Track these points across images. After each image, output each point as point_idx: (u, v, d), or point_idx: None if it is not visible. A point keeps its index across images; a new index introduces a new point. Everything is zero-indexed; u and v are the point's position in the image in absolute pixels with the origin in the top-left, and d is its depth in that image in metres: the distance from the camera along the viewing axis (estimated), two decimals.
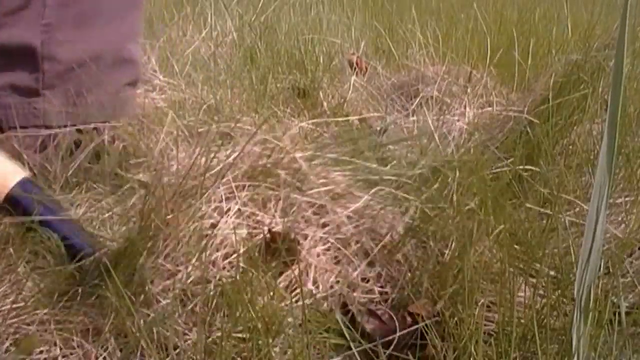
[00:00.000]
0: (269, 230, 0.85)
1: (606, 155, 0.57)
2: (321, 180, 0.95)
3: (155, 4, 2.53)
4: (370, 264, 0.88)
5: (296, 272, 0.83)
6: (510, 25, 2.17)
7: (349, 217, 0.92)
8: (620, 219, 1.08)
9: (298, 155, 0.96)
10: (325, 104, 1.57)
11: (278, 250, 0.83)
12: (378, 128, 1.49)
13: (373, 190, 0.94)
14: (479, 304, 0.76)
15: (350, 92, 1.64)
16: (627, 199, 1.13)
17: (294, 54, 1.84)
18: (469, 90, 1.66)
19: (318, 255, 0.87)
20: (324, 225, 0.91)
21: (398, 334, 0.74)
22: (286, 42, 1.98)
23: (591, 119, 1.35)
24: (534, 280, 0.81)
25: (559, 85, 1.33)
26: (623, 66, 0.53)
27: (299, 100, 1.57)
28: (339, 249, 0.89)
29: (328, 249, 0.89)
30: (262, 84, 1.58)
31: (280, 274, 0.84)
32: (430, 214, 0.89)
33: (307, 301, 0.80)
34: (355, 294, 0.85)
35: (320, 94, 1.60)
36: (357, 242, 0.90)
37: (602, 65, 1.32)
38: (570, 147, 1.31)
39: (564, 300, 0.77)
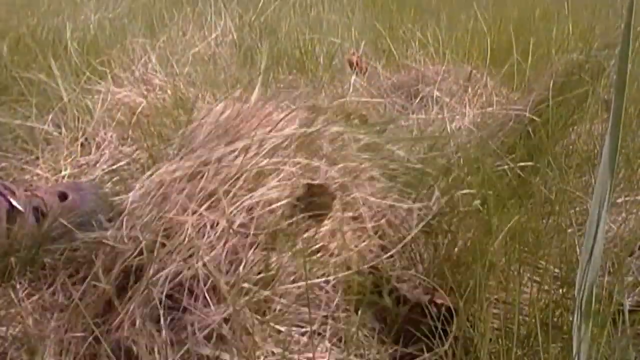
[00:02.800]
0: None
1: (608, 154, 0.57)
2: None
3: (155, 4, 2.53)
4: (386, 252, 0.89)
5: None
6: (510, 25, 2.17)
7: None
8: (620, 218, 1.08)
9: None
10: (326, 102, 1.57)
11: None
12: (378, 128, 1.49)
13: None
14: (488, 301, 0.76)
15: (350, 91, 1.64)
16: (627, 198, 1.13)
17: (294, 54, 1.84)
18: (469, 89, 1.66)
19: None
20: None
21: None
22: (286, 42, 1.98)
23: (591, 119, 1.35)
24: (538, 279, 0.81)
25: (559, 85, 1.33)
26: (627, 66, 0.53)
27: None
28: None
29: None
30: (263, 84, 1.58)
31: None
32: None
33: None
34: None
35: (323, 91, 1.61)
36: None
37: (602, 65, 1.32)
38: (571, 146, 1.31)
39: (568, 298, 0.77)
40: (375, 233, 0.90)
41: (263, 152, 0.90)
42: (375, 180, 0.96)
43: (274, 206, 0.84)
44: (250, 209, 0.84)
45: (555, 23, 2.28)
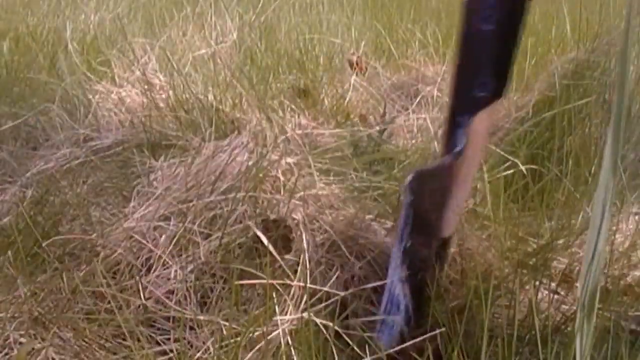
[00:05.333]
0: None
1: (610, 157, 0.57)
2: None
3: (155, 4, 2.53)
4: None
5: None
6: None
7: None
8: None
9: None
10: (326, 102, 1.57)
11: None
12: (377, 127, 1.49)
13: None
14: (489, 304, 0.76)
15: (350, 91, 1.63)
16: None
17: (294, 54, 1.84)
18: None
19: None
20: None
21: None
22: (286, 42, 1.98)
23: (591, 118, 1.35)
24: (537, 282, 0.81)
25: (559, 84, 1.33)
26: (628, 67, 0.52)
27: (299, 99, 1.57)
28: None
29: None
30: (262, 83, 1.58)
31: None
32: None
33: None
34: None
35: (323, 91, 1.61)
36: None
37: (602, 64, 1.32)
38: (571, 146, 1.31)
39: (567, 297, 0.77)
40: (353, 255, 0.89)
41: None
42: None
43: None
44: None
45: (555, 23, 2.28)
